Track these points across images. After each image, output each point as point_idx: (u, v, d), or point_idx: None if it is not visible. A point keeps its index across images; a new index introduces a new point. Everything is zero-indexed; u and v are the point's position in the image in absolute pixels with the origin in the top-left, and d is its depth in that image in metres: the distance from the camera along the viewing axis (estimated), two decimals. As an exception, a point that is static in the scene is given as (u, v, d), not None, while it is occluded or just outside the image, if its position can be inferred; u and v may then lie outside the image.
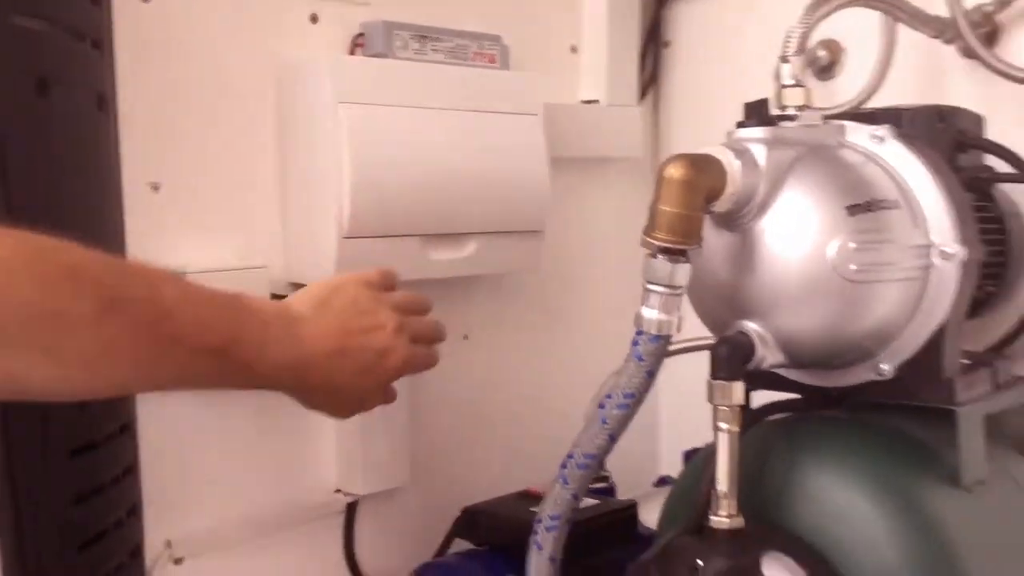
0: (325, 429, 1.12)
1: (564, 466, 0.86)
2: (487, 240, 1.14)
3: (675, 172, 0.77)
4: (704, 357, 0.90)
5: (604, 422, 0.83)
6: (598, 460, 0.85)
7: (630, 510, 1.11)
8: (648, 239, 0.79)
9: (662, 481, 1.36)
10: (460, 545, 1.13)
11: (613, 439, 0.84)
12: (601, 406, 0.84)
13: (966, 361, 0.92)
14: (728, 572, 0.78)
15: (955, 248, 0.84)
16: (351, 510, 1.14)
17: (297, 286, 1.08)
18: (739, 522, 0.81)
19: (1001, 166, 0.99)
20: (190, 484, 1.02)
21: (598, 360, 1.23)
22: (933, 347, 0.87)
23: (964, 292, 0.86)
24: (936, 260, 0.84)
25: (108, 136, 0.92)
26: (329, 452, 1.13)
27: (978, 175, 0.96)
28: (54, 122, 0.83)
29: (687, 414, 1.06)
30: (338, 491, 1.13)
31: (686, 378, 0.90)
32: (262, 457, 1.08)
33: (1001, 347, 1.03)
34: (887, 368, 0.88)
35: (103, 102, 0.91)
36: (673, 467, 1.19)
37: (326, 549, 1.14)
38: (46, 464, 0.81)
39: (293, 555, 1.10)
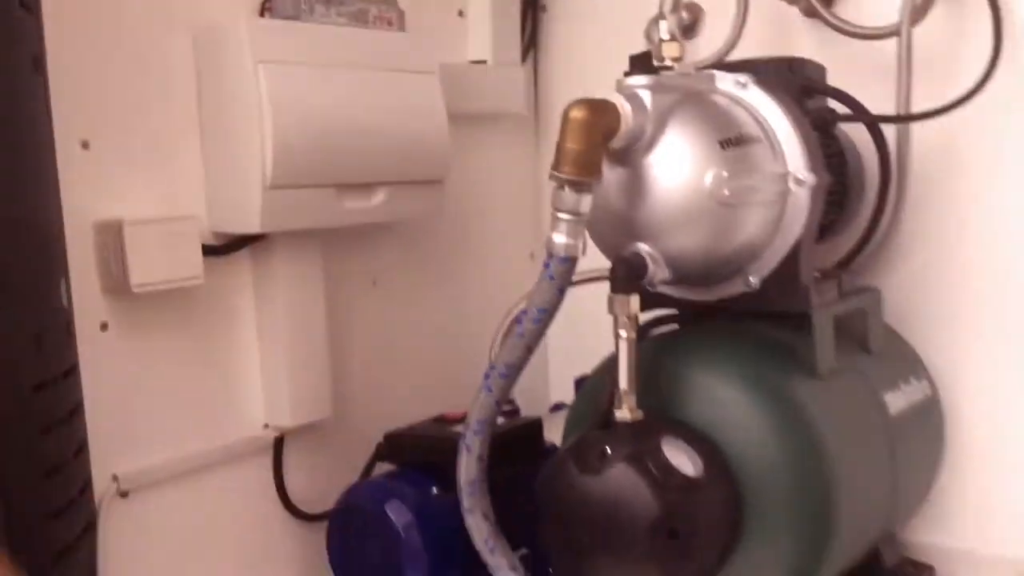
0: (252, 369, 1.20)
1: (487, 376, 0.98)
2: (394, 189, 1.23)
3: (578, 114, 0.89)
4: (586, 297, 1.03)
5: (521, 335, 0.95)
6: (517, 369, 0.97)
7: (536, 426, 1.24)
8: (556, 174, 0.91)
9: (556, 407, 1.50)
10: (382, 468, 1.23)
11: (530, 350, 0.96)
12: (518, 321, 0.96)
13: (817, 274, 1.09)
14: (633, 455, 0.92)
15: (806, 175, 1.00)
16: (279, 443, 1.23)
17: (222, 235, 1.16)
18: (639, 415, 0.95)
19: (841, 109, 1.16)
20: (130, 424, 1.08)
21: (494, 297, 1.35)
22: (791, 261, 1.03)
23: (815, 213, 1.02)
24: (792, 186, 1.00)
25: (41, 96, 0.97)
26: (256, 390, 1.21)
27: (822, 116, 1.12)
28: (-1, 82, 0.88)
29: (575, 346, 1.21)
30: (266, 426, 1.22)
31: (573, 314, 1.02)
32: (196, 397, 1.15)
33: (845, 264, 1.21)
34: (755, 280, 1.04)
35: (37, 63, 0.95)
36: (566, 394, 1.32)
37: (258, 480, 1.22)
38: (17, 395, 0.87)
39: (229, 486, 1.18)
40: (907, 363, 1.18)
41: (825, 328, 1.04)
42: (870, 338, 1.13)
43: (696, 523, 0.92)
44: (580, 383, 1.29)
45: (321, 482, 1.25)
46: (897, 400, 1.11)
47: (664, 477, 0.90)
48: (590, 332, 1.06)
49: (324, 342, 1.24)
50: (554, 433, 1.22)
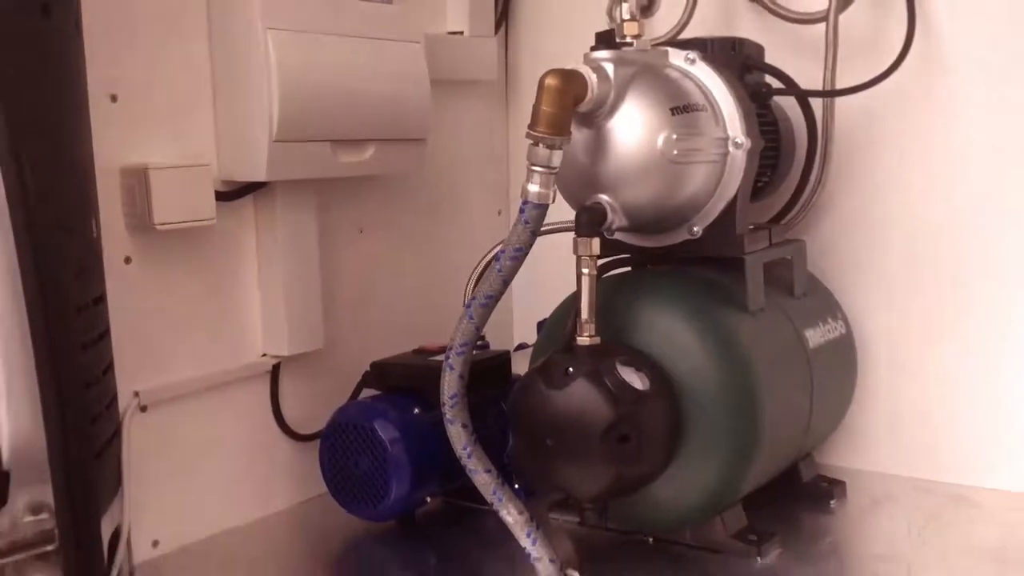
0: (253, 303, 1.34)
1: (468, 306, 1.13)
2: (382, 146, 1.38)
3: (552, 82, 1.05)
4: (548, 248, 1.18)
5: (499, 271, 1.11)
6: (495, 300, 1.12)
7: (505, 357, 1.41)
8: (531, 132, 1.06)
9: (520, 346, 1.66)
10: (368, 394, 1.38)
11: (506, 284, 1.11)
12: (496, 259, 1.11)
13: (751, 226, 1.27)
14: (591, 373, 1.08)
15: (743, 139, 1.17)
16: (276, 370, 1.37)
17: (230, 183, 1.30)
18: (597, 340, 1.11)
19: (777, 85, 1.33)
20: (150, 347, 1.22)
21: (465, 247, 1.51)
22: (729, 213, 1.20)
23: (750, 172, 1.19)
24: (731, 148, 1.17)
25: (81, 54, 1.10)
26: (256, 322, 1.35)
27: (760, 89, 1.29)
28: (52, 42, 1.01)
29: (536, 292, 1.37)
30: (265, 354, 1.36)
31: (536, 264, 1.15)
32: (205, 326, 1.29)
33: (776, 219, 1.39)
34: (697, 229, 1.21)
35: (78, 25, 1.09)
36: (529, 335, 1.48)
37: (257, 403, 1.36)
38: (65, 315, 1.01)
39: (232, 407, 1.32)
40: (826, 305, 1.36)
41: (755, 272, 1.22)
42: (795, 283, 1.31)
43: (643, 430, 1.09)
44: (541, 325, 1.46)
45: (313, 406, 1.39)
46: (816, 336, 1.29)
47: (617, 391, 1.07)
48: (550, 281, 1.23)
49: (317, 281, 1.39)
50: (519, 366, 1.39)
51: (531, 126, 1.06)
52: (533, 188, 1.08)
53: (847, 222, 1.43)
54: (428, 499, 1.33)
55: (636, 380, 1.09)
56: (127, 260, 1.19)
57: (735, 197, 1.19)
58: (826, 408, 1.33)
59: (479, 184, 1.68)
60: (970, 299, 1.36)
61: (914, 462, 1.41)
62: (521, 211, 1.09)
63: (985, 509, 1.29)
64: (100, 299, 1.14)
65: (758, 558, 1.17)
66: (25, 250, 0.97)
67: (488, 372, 1.36)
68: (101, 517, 1.08)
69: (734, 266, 1.21)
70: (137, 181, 1.17)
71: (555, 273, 1.20)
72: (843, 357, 1.37)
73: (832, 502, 1.33)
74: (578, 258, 1.11)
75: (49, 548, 1.04)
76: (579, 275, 1.11)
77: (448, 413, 1.14)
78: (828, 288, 1.40)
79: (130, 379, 1.19)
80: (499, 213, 1.71)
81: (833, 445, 1.45)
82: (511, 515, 1.13)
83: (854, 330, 1.39)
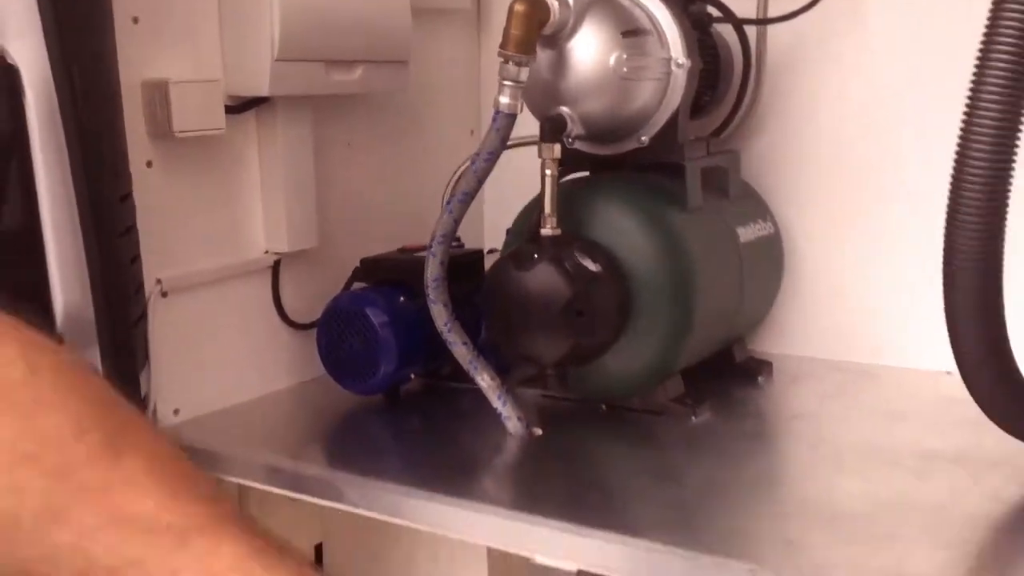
0: (256, 205, 1.52)
1: (448, 203, 1.32)
2: (369, 67, 1.55)
3: (520, 7, 1.22)
4: (510, 172, 1.36)
5: (475, 172, 1.30)
6: (471, 196, 1.31)
7: (479, 255, 1.60)
8: (502, 51, 1.24)
9: (490, 251, 1.85)
10: (358, 287, 1.57)
11: (480, 182, 1.30)
12: (472, 162, 1.30)
13: (692, 138, 1.46)
14: (553, 258, 1.28)
15: (684, 60, 1.36)
16: (276, 266, 1.55)
17: (236, 98, 1.46)
18: (558, 232, 1.31)
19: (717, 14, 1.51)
20: (168, 241, 1.39)
21: (441, 162, 1.69)
22: (672, 124, 1.39)
23: (690, 88, 1.38)
24: (673, 68, 1.36)
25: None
26: (259, 222, 1.53)
27: (700, 17, 1.47)
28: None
29: (503, 206, 1.54)
30: (267, 251, 1.55)
31: (504, 178, 1.35)
32: (215, 224, 1.46)
33: (716, 133, 1.58)
34: (645, 139, 1.40)
35: (106, -48, 1.24)
36: (497, 241, 1.67)
37: (260, 295, 1.54)
38: (111, 203, 1.19)
39: (239, 297, 1.50)
40: (757, 209, 1.57)
41: (694, 176, 1.41)
42: (729, 188, 1.51)
43: (596, 306, 1.29)
44: (509, 233, 1.64)
45: (309, 298, 1.58)
46: (747, 233, 1.50)
47: (575, 273, 1.27)
48: (516, 195, 1.43)
49: (312, 188, 1.56)
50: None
51: (502, 46, 1.24)
52: (504, 100, 1.27)
53: (778, 137, 1.62)
54: (412, 376, 1.52)
55: (591, 264, 1.29)
56: (148, 164, 1.36)
57: (677, 111, 1.38)
58: (755, 296, 1.54)
59: (453, 105, 1.85)
60: (882, 204, 1.56)
61: (831, 346, 1.62)
62: (494, 120, 1.28)
63: (888, 381, 1.51)
64: (128, 196, 1.31)
65: (693, 417, 1.38)
66: (74, 147, 1.14)
67: (464, 267, 1.54)
68: (139, 375, 1.27)
69: (676, 171, 1.41)
70: (158, 93, 1.33)
71: (519, 188, 1.39)
72: (771, 253, 1.58)
73: (760, 378, 1.54)
74: (542, 161, 1.30)
75: (97, 401, 1.23)
76: (543, 176, 1.30)
77: (431, 294, 1.34)
78: (760, 195, 1.60)
79: (154, 269, 1.36)
80: (471, 133, 1.89)
81: (763, 333, 1.66)
82: (485, 381, 1.34)
83: (782, 232, 1.60)
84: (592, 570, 1.03)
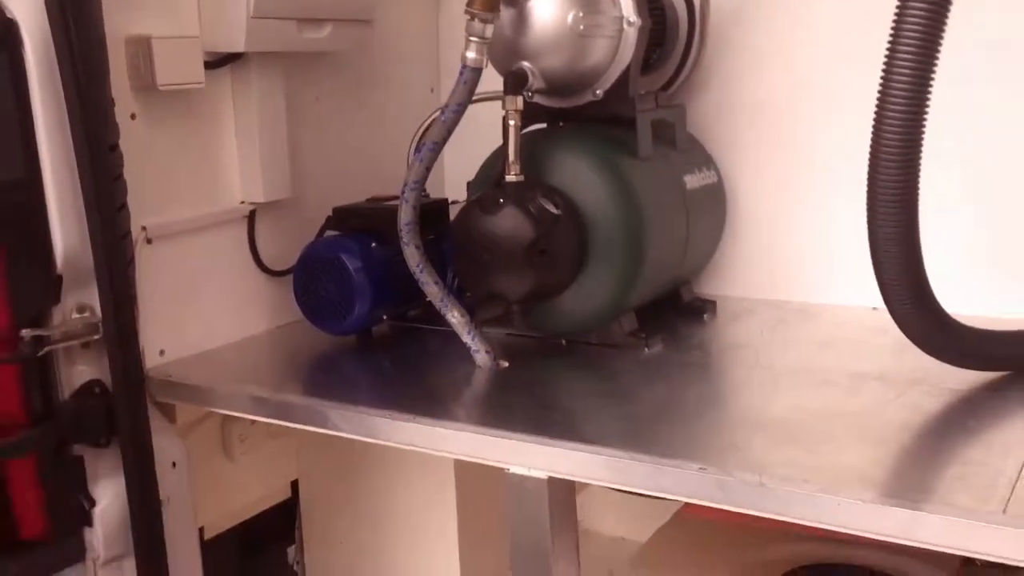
0: (233, 157, 1.60)
1: (419, 151, 1.42)
2: (337, 25, 1.63)
3: (485, -32, 1.33)
4: (471, 129, 1.44)
5: (444, 121, 1.39)
6: (441, 144, 1.41)
7: (444, 203, 1.70)
8: (469, 9, 1.34)
9: (452, 203, 1.95)
10: (331, 235, 1.66)
11: (449, 131, 1.40)
12: (441, 112, 1.40)
13: (643, 92, 1.57)
14: (517, 201, 1.39)
15: (635, 19, 1.47)
16: (252, 215, 1.64)
17: (213, 54, 1.54)
18: (522, 178, 1.41)
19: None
20: (152, 190, 1.45)
21: (404, 117, 1.78)
22: (624, 79, 1.50)
23: (640, 45, 1.49)
24: (625, 26, 1.47)
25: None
26: (236, 174, 1.61)
27: (649, -20, 1.58)
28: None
29: (464, 159, 1.63)
30: (243, 202, 1.63)
31: (463, 137, 1.43)
32: (196, 174, 1.54)
33: (664, 88, 1.69)
34: (600, 92, 1.51)
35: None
36: (460, 194, 1.76)
37: (237, 243, 1.62)
38: (104, 152, 1.26)
39: (218, 245, 1.58)
40: (702, 159, 1.69)
41: (645, 127, 1.53)
42: (677, 139, 1.63)
43: (558, 246, 1.40)
44: (468, 184, 1.74)
45: (284, 245, 1.66)
46: (692, 181, 1.62)
47: (539, 214, 1.37)
48: (477, 151, 1.53)
49: (284, 140, 1.64)
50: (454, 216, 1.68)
51: (468, 4, 1.34)
52: (471, 55, 1.37)
53: (720, 93, 1.74)
54: (384, 317, 1.62)
55: (552, 207, 1.40)
56: (132, 116, 1.43)
57: (629, 66, 1.49)
58: (700, 240, 1.67)
59: (413, 64, 1.94)
60: (814, 153, 1.68)
61: (769, 286, 1.75)
62: (461, 73, 1.38)
63: (819, 317, 1.65)
64: (116, 146, 1.38)
65: (646, 349, 1.50)
66: (72, 96, 1.22)
67: (430, 215, 1.64)
68: (137, 321, 1.36)
69: (628, 124, 1.52)
70: (141, 49, 1.40)
71: (483, 139, 1.48)
72: (714, 201, 1.71)
73: (705, 316, 1.67)
74: (506, 112, 1.40)
75: (95, 337, 1.31)
76: (506, 126, 1.40)
77: (405, 237, 1.44)
78: (704, 147, 1.72)
79: (138, 217, 1.43)
80: (432, 90, 1.98)
81: (707, 276, 1.79)
82: (455, 317, 1.45)
83: (725, 182, 1.73)
84: (561, 476, 1.15)
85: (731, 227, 1.77)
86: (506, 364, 1.45)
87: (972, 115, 1.51)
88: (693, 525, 1.42)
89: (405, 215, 1.43)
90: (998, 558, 0.91)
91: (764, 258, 1.77)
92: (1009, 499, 0.94)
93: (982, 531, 0.91)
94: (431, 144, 1.41)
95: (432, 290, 1.44)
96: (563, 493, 1.17)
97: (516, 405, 1.34)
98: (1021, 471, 1.01)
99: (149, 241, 1.47)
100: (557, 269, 1.42)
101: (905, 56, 1.07)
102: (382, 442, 1.26)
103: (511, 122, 1.40)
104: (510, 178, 1.40)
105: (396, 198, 1.64)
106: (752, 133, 1.73)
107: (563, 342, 1.56)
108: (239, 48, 1.50)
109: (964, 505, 0.95)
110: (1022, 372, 1.31)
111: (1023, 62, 1.51)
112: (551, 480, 1.15)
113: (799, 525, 1.33)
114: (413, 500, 1.72)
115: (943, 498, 0.97)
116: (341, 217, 1.64)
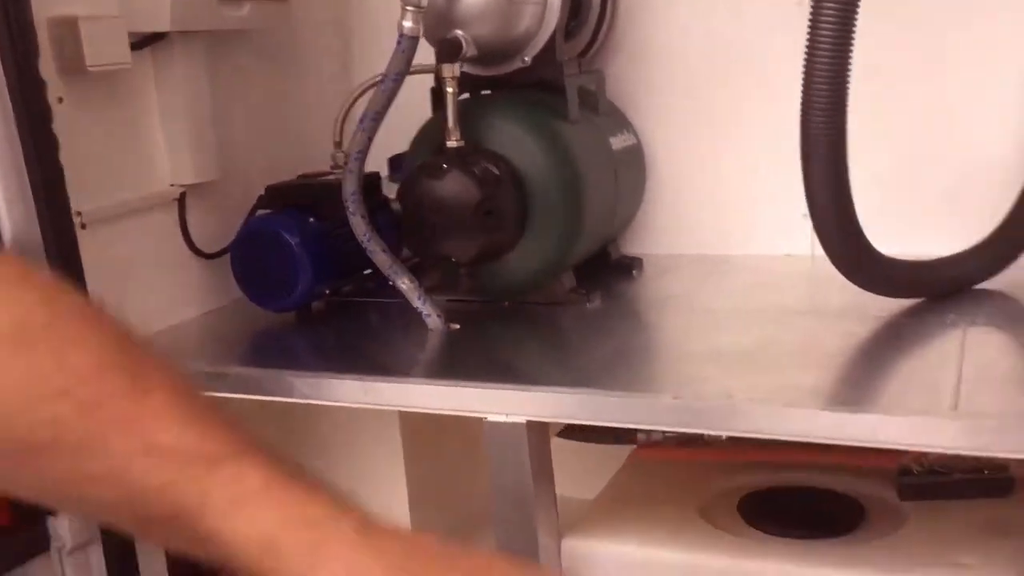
0: (160, 139, 1.58)
1: (362, 120, 1.44)
2: (255, 3, 1.63)
3: (420, -63, 1.36)
4: (406, 103, 1.48)
5: (384, 91, 1.41)
6: (381, 115, 1.43)
7: (376, 176, 1.71)
8: (406, -21, 1.37)
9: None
10: (262, 214, 1.65)
11: (390, 101, 1.42)
12: (381, 81, 1.42)
13: (567, 58, 1.63)
14: (461, 165, 1.42)
15: (559, -15, 1.52)
16: (183, 198, 1.62)
17: (136, 34, 1.51)
18: (462, 143, 1.45)
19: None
20: (84, 175, 1.42)
21: (324, 93, 1.79)
22: (551, 46, 1.55)
23: (564, 12, 1.54)
24: (552, -7, 1.52)
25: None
26: (164, 155, 1.59)
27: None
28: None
29: (393, 136, 1.66)
30: (172, 184, 1.61)
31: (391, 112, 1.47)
32: (123, 157, 1.51)
33: (582, 55, 1.76)
34: (528, 59, 1.56)
35: None
36: (382, 168, 1.79)
37: (169, 227, 1.60)
38: (44, 127, 1.23)
39: (149, 229, 1.55)
40: (622, 122, 1.76)
41: (573, 92, 1.58)
42: (598, 104, 1.70)
43: (503, 206, 1.44)
44: (392, 159, 1.77)
45: (218, 228, 1.65)
46: (617, 143, 1.69)
47: (483, 176, 1.42)
48: (403, 126, 1.55)
49: (210, 121, 1.63)
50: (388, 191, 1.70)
51: (406, -26, 1.37)
52: (407, 24, 1.39)
53: (635, 59, 1.81)
54: (327, 292, 1.63)
55: (494, 170, 1.45)
56: (60, 100, 1.39)
57: (554, 32, 1.54)
58: (626, 199, 1.74)
59: (327, 41, 1.95)
60: (732, 114, 1.77)
61: (690, 242, 1.84)
62: (398, 43, 1.40)
63: (745, 265, 1.74)
64: (51, 128, 1.34)
65: (588, 304, 1.56)
66: (10, 70, 1.19)
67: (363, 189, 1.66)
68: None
69: (556, 88, 1.58)
70: (68, 30, 1.37)
71: (410, 114, 1.52)
72: (636, 161, 1.78)
73: (633, 272, 1.75)
74: (443, 80, 1.44)
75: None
76: (444, 94, 1.44)
77: (351, 206, 1.45)
78: (622, 111, 1.79)
79: (73, 202, 1.40)
80: (343, 67, 1.99)
81: (631, 235, 1.87)
82: (405, 284, 1.47)
83: (642, 142, 1.81)
84: (540, 419, 1.20)
85: (650, 188, 1.84)
86: (457, 327, 1.49)
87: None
88: (645, 468, 1.50)
89: (350, 185, 1.44)
90: (954, 450, 1.01)
91: (683, 216, 1.85)
92: (958, 400, 1.04)
93: (939, 426, 1.00)
94: (372, 114, 1.43)
95: (381, 258, 1.46)
96: (539, 437, 1.22)
97: (476, 361, 1.38)
98: (959, 377, 1.12)
99: (84, 227, 1.44)
100: (503, 229, 1.46)
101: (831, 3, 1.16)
102: (358, 405, 1.28)
103: (448, 89, 1.43)
104: (451, 144, 1.44)
105: (326, 174, 1.67)
106: (667, 94, 1.81)
107: (505, 304, 1.60)
108: (165, 27, 1.49)
109: (920, 408, 1.04)
110: (934, 298, 1.43)
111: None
112: (529, 424, 1.20)
113: (749, 455, 1.43)
114: (360, 465, 1.74)
115: (899, 404, 1.07)
116: (273, 195, 1.63)
